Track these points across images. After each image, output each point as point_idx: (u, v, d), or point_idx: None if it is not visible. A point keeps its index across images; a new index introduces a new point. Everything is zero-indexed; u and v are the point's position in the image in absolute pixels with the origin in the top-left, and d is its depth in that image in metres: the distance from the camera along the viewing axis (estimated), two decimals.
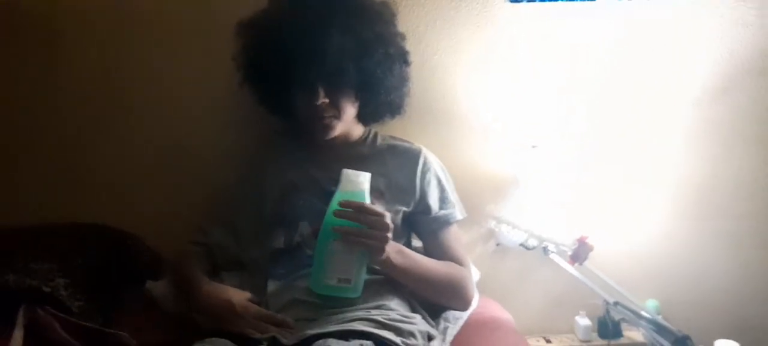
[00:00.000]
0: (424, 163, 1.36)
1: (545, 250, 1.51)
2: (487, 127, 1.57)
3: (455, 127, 1.56)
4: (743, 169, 1.62)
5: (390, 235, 1.14)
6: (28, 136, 1.52)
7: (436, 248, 1.33)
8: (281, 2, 1.31)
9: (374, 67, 1.28)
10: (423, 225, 1.35)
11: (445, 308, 1.31)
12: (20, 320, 1.08)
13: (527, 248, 1.52)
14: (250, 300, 1.18)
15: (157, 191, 1.54)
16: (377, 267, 1.21)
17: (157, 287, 1.32)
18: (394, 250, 1.20)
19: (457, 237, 1.36)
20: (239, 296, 1.18)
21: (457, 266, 1.31)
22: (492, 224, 1.58)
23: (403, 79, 1.37)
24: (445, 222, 1.34)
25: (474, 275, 1.47)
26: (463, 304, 1.32)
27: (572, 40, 1.56)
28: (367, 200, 1.15)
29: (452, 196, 1.38)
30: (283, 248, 1.29)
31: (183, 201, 1.53)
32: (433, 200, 1.34)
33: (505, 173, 1.57)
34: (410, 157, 1.37)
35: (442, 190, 1.36)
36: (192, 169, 1.54)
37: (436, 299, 1.30)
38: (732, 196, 1.63)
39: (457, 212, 1.37)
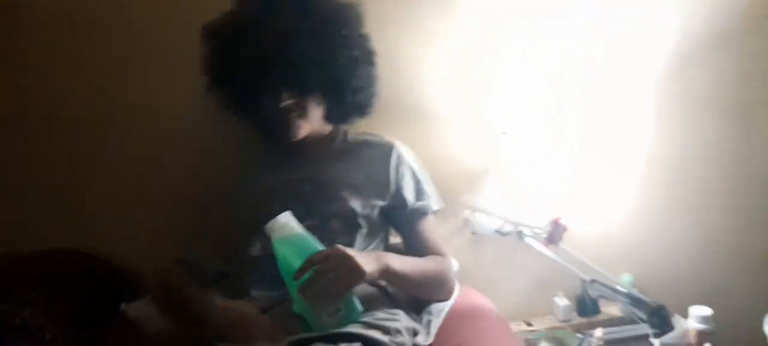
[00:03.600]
0: (398, 157, 1.36)
1: (520, 234, 1.53)
2: (456, 118, 1.58)
3: (425, 119, 1.57)
4: (708, 140, 1.67)
5: (353, 258, 1.09)
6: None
7: (414, 240, 1.34)
8: (245, 5, 1.30)
9: (339, 71, 1.28)
10: (400, 218, 1.35)
11: (428, 302, 1.31)
12: None
13: (502, 234, 1.54)
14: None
15: (138, 212, 1.53)
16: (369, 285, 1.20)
17: (134, 309, 1.30)
18: (376, 265, 1.15)
19: (434, 228, 1.37)
20: (252, 309, 1.17)
21: (439, 258, 1.32)
22: (467, 213, 1.59)
23: (370, 80, 1.37)
24: (421, 213, 1.34)
25: (453, 265, 1.48)
26: (446, 295, 1.33)
27: (535, 26, 1.57)
28: (309, 240, 1.12)
29: (427, 187, 1.38)
30: (260, 256, 1.28)
31: (165, 221, 1.52)
32: (409, 192, 1.34)
33: (477, 161, 1.58)
34: (384, 152, 1.37)
35: (416, 181, 1.37)
36: (173, 185, 1.52)
37: (425, 295, 1.31)
38: (698, 167, 1.67)
39: (433, 202, 1.37)
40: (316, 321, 1.10)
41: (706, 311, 1.49)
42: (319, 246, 1.12)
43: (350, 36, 1.31)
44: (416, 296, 1.30)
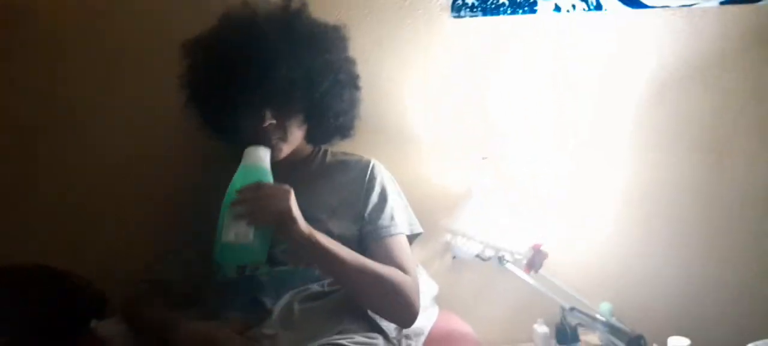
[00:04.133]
0: (371, 173, 1.34)
1: (501, 260, 1.52)
2: (438, 142, 1.58)
3: (406, 144, 1.57)
4: (684, 173, 1.68)
5: (291, 198, 1.09)
6: None
7: (377, 259, 1.24)
8: (231, 23, 1.29)
9: (323, 94, 1.27)
10: (365, 236, 1.29)
11: (393, 320, 1.25)
12: None
13: (483, 259, 1.53)
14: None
15: (106, 229, 1.50)
16: (291, 239, 1.12)
17: (104, 327, 1.26)
18: (308, 229, 1.12)
19: (402, 250, 1.29)
20: (223, 331, 1.14)
21: (397, 271, 1.22)
22: (447, 237, 1.58)
23: (353, 103, 1.36)
24: (386, 233, 1.29)
25: (430, 289, 1.46)
26: (405, 313, 1.22)
27: (515, 53, 1.59)
28: (269, 175, 1.13)
29: (397, 208, 1.34)
30: (235, 277, 1.25)
31: (133, 238, 1.49)
32: (373, 210, 1.30)
33: (458, 186, 1.58)
34: (360, 170, 1.35)
35: (383, 200, 1.32)
36: (144, 202, 1.50)
37: (374, 301, 1.22)
38: (675, 198, 1.68)
39: (401, 225, 1.32)
40: (219, 239, 1.07)
41: (684, 342, 1.49)
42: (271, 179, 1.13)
43: (335, 59, 1.31)
44: (365, 301, 1.23)
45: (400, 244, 1.29)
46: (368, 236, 1.29)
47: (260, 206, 1.08)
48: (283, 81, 1.21)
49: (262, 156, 1.16)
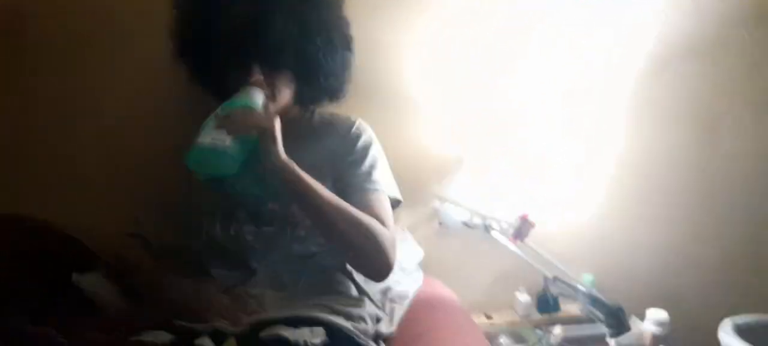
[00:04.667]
0: (356, 129, 1.32)
1: (487, 228, 1.53)
2: (432, 107, 1.57)
3: (398, 107, 1.55)
4: (674, 147, 1.69)
5: (276, 122, 1.07)
6: None
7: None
8: None
9: (315, 53, 1.24)
10: (348, 193, 1.24)
11: (367, 270, 1.21)
12: None
13: (470, 227, 1.53)
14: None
15: (84, 184, 1.48)
16: (270, 160, 1.07)
17: (88, 281, 1.25)
18: (287, 158, 1.09)
19: (381, 204, 1.24)
20: (209, 289, 1.13)
21: (376, 221, 1.18)
22: (436, 203, 1.58)
23: (345, 65, 1.32)
24: (370, 189, 1.25)
25: (416, 254, 1.47)
26: (380, 264, 1.18)
27: (514, 18, 1.57)
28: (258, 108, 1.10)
29: (379, 169, 1.30)
30: (220, 236, 1.24)
31: (113, 191, 1.48)
32: (357, 166, 1.28)
33: (448, 153, 1.57)
34: (344, 128, 1.33)
35: (365, 156, 1.29)
36: (123, 158, 1.48)
37: (350, 245, 1.16)
38: (663, 172, 1.70)
39: (381, 183, 1.28)
40: (196, 144, 1.02)
41: (663, 314, 1.52)
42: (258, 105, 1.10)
43: (329, 18, 1.27)
44: (338, 243, 1.18)
45: (379, 199, 1.25)
46: (348, 189, 1.24)
47: (243, 119, 1.05)
48: (274, 35, 1.18)
49: (255, 94, 1.12)
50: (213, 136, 1.01)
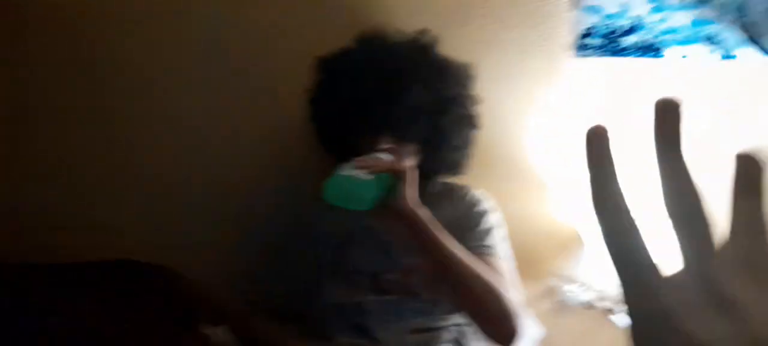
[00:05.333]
0: (477, 198, 1.32)
1: (610, 311, 1.46)
2: (552, 182, 1.54)
3: (518, 178, 1.54)
4: None
5: (413, 172, 1.08)
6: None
7: None
8: (366, 42, 1.31)
9: (443, 126, 1.27)
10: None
11: (491, 333, 1.14)
12: None
13: (590, 308, 1.47)
14: None
15: (199, 228, 1.46)
16: (400, 202, 1.06)
17: (216, 335, 1.27)
18: (420, 210, 1.08)
19: (505, 270, 1.21)
20: None
21: (499, 280, 1.14)
22: (553, 280, 1.53)
23: (469, 141, 1.35)
24: (490, 252, 1.22)
25: (535, 331, 1.41)
26: (506, 329, 1.11)
27: (640, 95, 1.53)
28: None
29: (502, 238, 1.28)
30: (343, 302, 1.25)
31: (227, 241, 1.47)
32: (477, 231, 1.25)
33: (568, 228, 1.53)
34: (465, 196, 1.33)
35: (488, 223, 1.28)
36: (233, 208, 1.47)
37: (475, 306, 1.12)
38: None
39: (505, 251, 1.26)
40: (335, 175, 1.03)
41: None
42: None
43: (460, 94, 1.30)
44: (462, 304, 1.14)
45: (503, 266, 1.22)
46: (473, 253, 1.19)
47: (382, 161, 1.08)
48: (408, 107, 1.21)
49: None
50: (353, 171, 1.03)
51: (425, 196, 1.34)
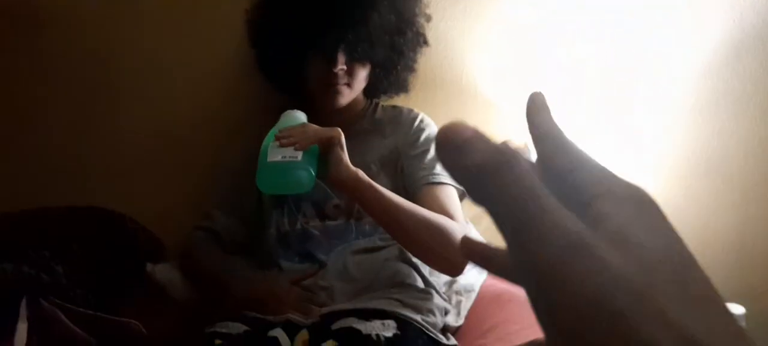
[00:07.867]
0: (420, 123, 1.31)
1: None
2: (494, 103, 1.54)
3: (461, 101, 1.52)
4: (752, 135, 1.60)
5: (339, 131, 1.06)
6: (19, 122, 1.45)
7: (423, 205, 1.15)
8: None
9: (400, 46, 1.27)
10: (411, 184, 1.22)
11: (440, 267, 1.17)
12: (23, 312, 1.02)
13: None
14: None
15: (154, 176, 1.49)
16: (337, 168, 1.05)
17: (161, 271, 1.28)
18: (353, 169, 1.07)
19: (449, 197, 1.20)
20: (281, 282, 1.15)
21: (445, 217, 1.13)
22: None
23: (416, 60, 1.36)
24: (435, 181, 1.21)
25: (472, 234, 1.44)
26: (454, 261, 1.11)
27: (583, 15, 1.52)
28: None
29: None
30: (288, 230, 1.25)
31: (181, 185, 1.49)
32: (423, 158, 1.25)
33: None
34: (408, 121, 1.32)
35: (430, 149, 1.26)
36: (191, 152, 1.50)
37: (422, 246, 1.12)
38: (740, 162, 1.60)
39: (447, 176, 1.27)
40: (266, 163, 1.01)
41: (739, 309, 1.45)
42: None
43: (415, 15, 1.31)
44: (408, 246, 1.15)
45: (446, 192, 1.21)
46: (414, 183, 1.22)
47: (308, 133, 1.06)
48: (366, 28, 1.20)
49: (301, 115, 1.14)
50: (282, 154, 1.01)
51: (371, 121, 1.35)
